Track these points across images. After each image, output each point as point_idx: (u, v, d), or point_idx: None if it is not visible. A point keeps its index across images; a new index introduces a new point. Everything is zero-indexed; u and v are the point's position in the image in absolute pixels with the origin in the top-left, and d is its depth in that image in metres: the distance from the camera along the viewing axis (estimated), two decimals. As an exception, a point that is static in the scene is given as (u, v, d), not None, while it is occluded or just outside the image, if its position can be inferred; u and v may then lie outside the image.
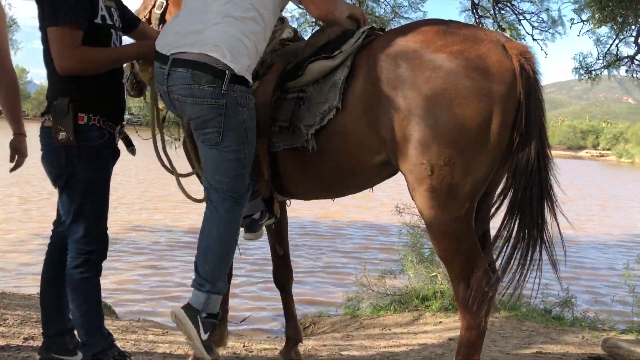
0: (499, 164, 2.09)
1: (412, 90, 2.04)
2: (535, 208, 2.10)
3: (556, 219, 2.16)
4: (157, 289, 6.40)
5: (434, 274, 5.09)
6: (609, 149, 69.93)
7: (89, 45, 2.36)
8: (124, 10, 2.69)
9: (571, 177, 25.80)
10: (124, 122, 2.63)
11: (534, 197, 2.09)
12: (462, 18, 8.04)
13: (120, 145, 2.64)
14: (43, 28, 2.37)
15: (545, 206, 2.14)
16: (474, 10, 7.84)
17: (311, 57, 2.41)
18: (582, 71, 7.65)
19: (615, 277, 7.28)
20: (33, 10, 2.49)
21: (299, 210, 11.93)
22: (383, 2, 7.95)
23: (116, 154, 2.61)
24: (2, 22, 2.85)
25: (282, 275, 3.15)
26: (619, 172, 40.59)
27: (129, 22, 2.75)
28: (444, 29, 2.12)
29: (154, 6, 3.05)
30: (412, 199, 2.20)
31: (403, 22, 7.98)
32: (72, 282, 2.45)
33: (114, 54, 2.48)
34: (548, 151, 2.13)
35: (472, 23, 7.66)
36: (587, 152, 74.63)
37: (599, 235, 11.71)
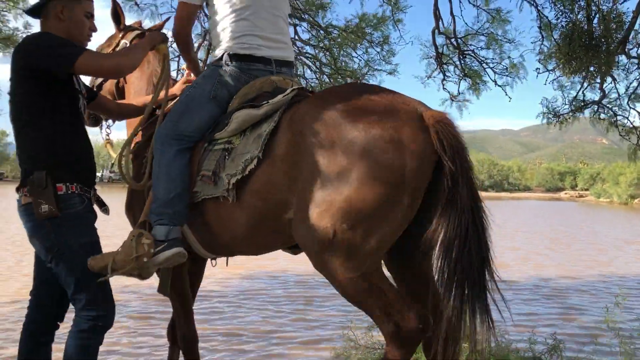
0: (409, 221, 2.13)
1: (327, 157, 2.08)
2: (473, 252, 2.08)
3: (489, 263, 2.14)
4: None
5: (421, 325, 5.01)
6: (587, 189, 71.06)
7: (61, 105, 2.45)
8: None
9: (554, 221, 26.04)
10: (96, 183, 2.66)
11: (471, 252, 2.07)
12: (423, 65, 8.35)
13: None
14: (19, 80, 2.40)
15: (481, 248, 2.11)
16: (438, 59, 8.10)
17: (239, 109, 2.48)
18: (550, 115, 7.91)
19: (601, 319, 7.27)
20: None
21: (276, 262, 11.85)
22: (357, 57, 8.17)
23: (95, 216, 2.60)
24: None
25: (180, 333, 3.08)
26: (600, 211, 41.10)
27: (90, 94, 2.88)
28: (366, 98, 2.17)
29: (117, 45, 3.22)
30: (309, 258, 2.21)
31: (377, 74, 8.20)
32: (74, 346, 2.38)
33: (141, 52, 2.63)
34: (480, 203, 2.14)
35: (435, 70, 7.93)
36: (565, 193, 75.71)
37: (588, 278, 11.76)
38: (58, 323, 2.66)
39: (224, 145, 2.46)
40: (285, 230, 2.34)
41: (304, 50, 8.44)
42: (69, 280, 2.39)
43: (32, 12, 2.58)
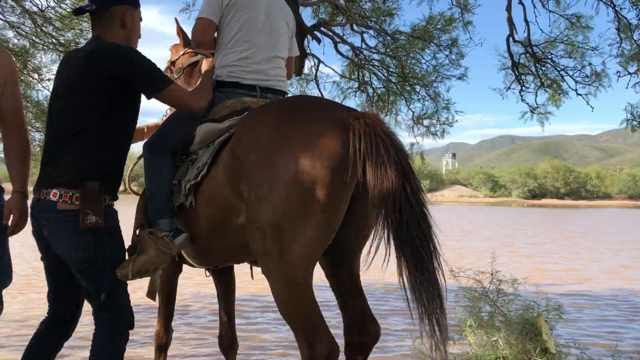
0: (338, 222, 2.18)
1: (256, 167, 2.18)
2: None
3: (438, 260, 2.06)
4: None
5: (495, 338, 4.83)
6: (674, 196, 66.82)
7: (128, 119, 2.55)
8: None
9: None
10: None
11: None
12: (501, 76, 8.05)
13: None
14: (93, 83, 2.38)
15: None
16: (515, 68, 7.81)
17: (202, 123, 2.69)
18: (634, 122, 7.43)
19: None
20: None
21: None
22: (425, 63, 8.02)
23: None
24: (15, 79, 2.68)
25: (226, 342, 3.42)
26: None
27: None
28: (296, 111, 2.27)
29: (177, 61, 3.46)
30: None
31: (447, 81, 8.02)
32: (109, 351, 2.46)
33: (208, 80, 2.78)
34: (420, 196, 2.08)
35: (513, 82, 7.65)
36: (650, 201, 71.44)
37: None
38: (69, 333, 2.71)
39: (192, 157, 2.67)
40: (238, 237, 2.43)
41: (371, 58, 8.39)
42: (101, 289, 2.43)
43: (84, 11, 2.59)
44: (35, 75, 7.88)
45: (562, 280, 11.49)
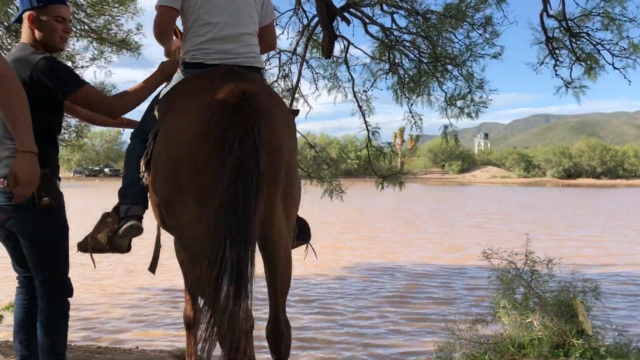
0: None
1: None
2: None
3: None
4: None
5: (529, 320, 4.79)
6: None
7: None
8: None
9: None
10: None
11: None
12: (534, 51, 7.85)
13: None
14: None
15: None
16: (549, 42, 7.61)
17: None
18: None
19: None
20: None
21: (385, 255, 11.75)
22: (457, 43, 7.87)
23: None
24: None
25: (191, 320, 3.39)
26: None
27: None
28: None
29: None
30: None
31: (480, 60, 7.86)
32: (55, 319, 2.78)
33: (146, 89, 2.98)
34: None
35: (547, 56, 7.48)
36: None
37: None
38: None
39: None
40: None
41: (402, 39, 8.27)
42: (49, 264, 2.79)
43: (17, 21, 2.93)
44: (69, 63, 8.01)
45: (602, 263, 11.24)
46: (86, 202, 24.07)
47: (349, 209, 21.03)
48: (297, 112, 3.87)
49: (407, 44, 8.27)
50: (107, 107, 2.87)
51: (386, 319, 7.34)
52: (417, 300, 8.52)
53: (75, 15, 7.60)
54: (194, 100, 2.41)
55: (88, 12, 7.72)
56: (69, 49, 7.97)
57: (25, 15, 2.79)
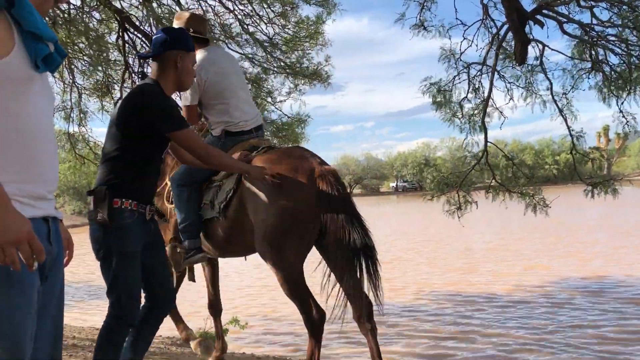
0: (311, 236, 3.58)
1: (257, 196, 3.55)
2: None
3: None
4: None
5: None
6: None
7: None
8: None
9: None
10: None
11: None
12: None
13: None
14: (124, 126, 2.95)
15: None
16: None
17: None
18: None
19: None
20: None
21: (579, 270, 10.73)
22: None
23: (150, 227, 3.06)
24: None
25: (214, 307, 4.71)
26: None
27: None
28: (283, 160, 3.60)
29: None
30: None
31: None
32: (101, 334, 2.87)
33: (227, 165, 3.45)
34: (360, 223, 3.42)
35: None
36: None
37: None
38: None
39: (218, 184, 3.79)
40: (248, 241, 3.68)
41: (605, 33, 7.49)
42: (106, 278, 2.92)
43: (145, 57, 3.25)
44: (269, 99, 8.64)
45: None
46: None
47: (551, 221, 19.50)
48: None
49: (612, 38, 7.47)
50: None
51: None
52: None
53: (272, 54, 8.21)
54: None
55: (283, 49, 8.27)
56: (269, 86, 8.62)
57: (170, 53, 3.04)
